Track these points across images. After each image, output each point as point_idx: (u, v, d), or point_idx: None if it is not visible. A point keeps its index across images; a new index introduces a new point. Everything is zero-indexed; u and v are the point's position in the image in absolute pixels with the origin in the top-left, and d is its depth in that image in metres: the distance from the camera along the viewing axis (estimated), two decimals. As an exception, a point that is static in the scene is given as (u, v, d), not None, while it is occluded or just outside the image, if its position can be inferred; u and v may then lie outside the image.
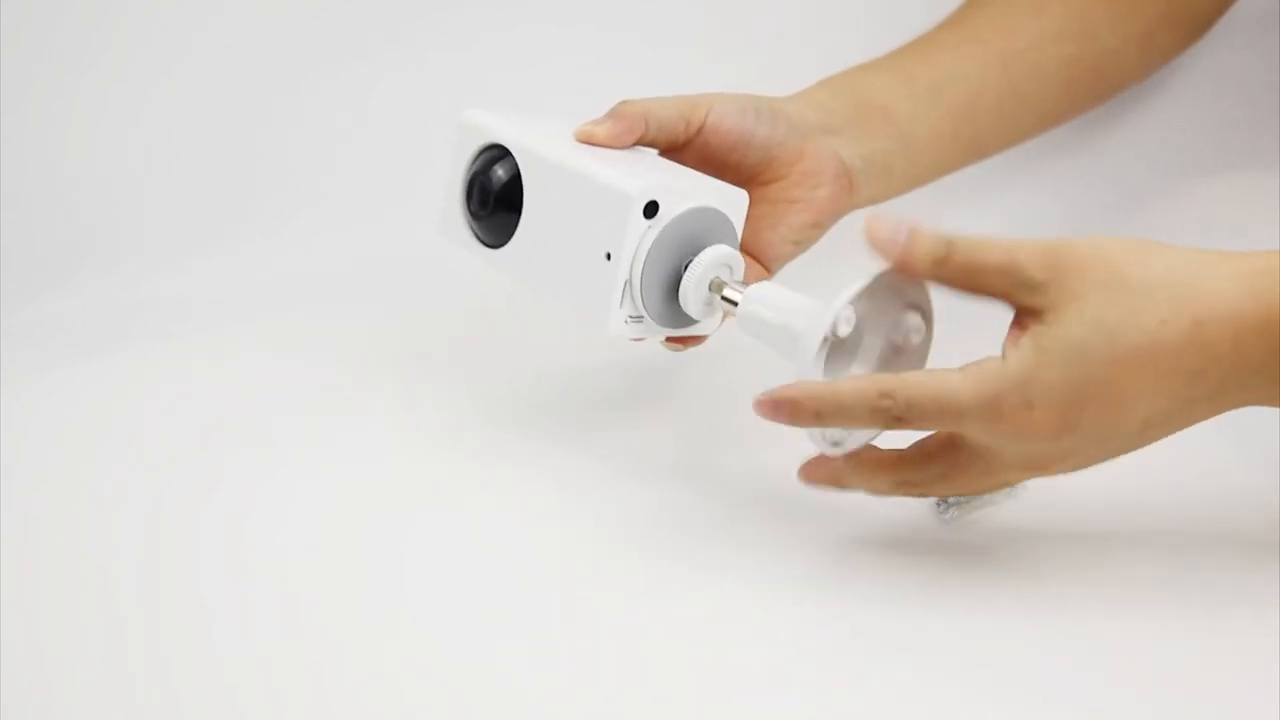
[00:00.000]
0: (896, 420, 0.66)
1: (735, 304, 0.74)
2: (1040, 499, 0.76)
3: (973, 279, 0.66)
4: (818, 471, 0.71)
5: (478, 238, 0.81)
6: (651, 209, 0.73)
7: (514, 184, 0.78)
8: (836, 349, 0.69)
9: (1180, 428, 0.67)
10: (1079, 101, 0.95)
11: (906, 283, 0.69)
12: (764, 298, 0.73)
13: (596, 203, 0.74)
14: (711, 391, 0.89)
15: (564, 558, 0.74)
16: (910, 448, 0.70)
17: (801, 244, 0.83)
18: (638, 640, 0.69)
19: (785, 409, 0.67)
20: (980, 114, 0.89)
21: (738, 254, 0.76)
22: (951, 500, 0.75)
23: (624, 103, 0.79)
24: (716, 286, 0.75)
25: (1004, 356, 0.65)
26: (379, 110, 1.07)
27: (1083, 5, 0.92)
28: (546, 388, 0.90)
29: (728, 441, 0.84)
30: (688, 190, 0.75)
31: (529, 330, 0.95)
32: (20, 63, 1.02)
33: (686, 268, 0.75)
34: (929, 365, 0.71)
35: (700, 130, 0.79)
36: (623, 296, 0.74)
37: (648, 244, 0.73)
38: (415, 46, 1.06)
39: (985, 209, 1.05)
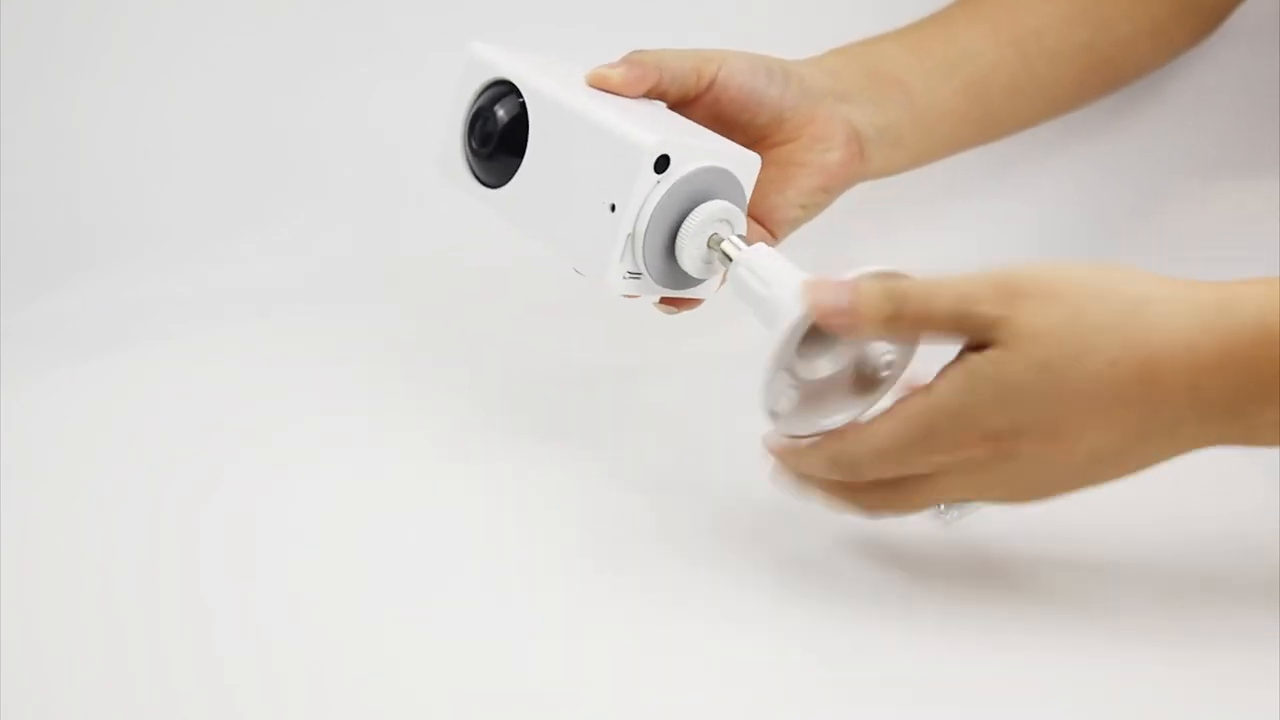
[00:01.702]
0: (851, 479, 0.67)
1: (731, 260, 0.72)
2: (1035, 508, 0.76)
3: (926, 328, 0.66)
4: (783, 468, 0.71)
5: (476, 176, 0.78)
6: (662, 163, 0.71)
7: (519, 123, 0.75)
8: (813, 333, 0.67)
9: (1140, 465, 0.66)
10: (1090, 88, 0.95)
11: None
12: (755, 264, 0.70)
13: (605, 151, 0.71)
14: (712, 398, 0.89)
15: (563, 559, 0.74)
16: None
17: (809, 209, 0.81)
18: (637, 643, 0.69)
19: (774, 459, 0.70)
20: (992, 93, 0.89)
21: (740, 212, 0.74)
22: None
23: (638, 51, 0.77)
24: (715, 242, 0.73)
25: (929, 388, 0.65)
26: (381, 110, 1.07)
27: None
28: (548, 388, 0.90)
29: (729, 447, 0.84)
30: (700, 148, 0.73)
31: (532, 330, 0.95)
32: (21, 63, 1.02)
33: (684, 219, 0.72)
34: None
35: (712, 85, 0.78)
36: (624, 250, 0.72)
37: (655, 199, 0.71)
38: (418, 46, 1.06)
39: (993, 210, 1.05)
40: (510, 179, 0.76)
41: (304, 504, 0.78)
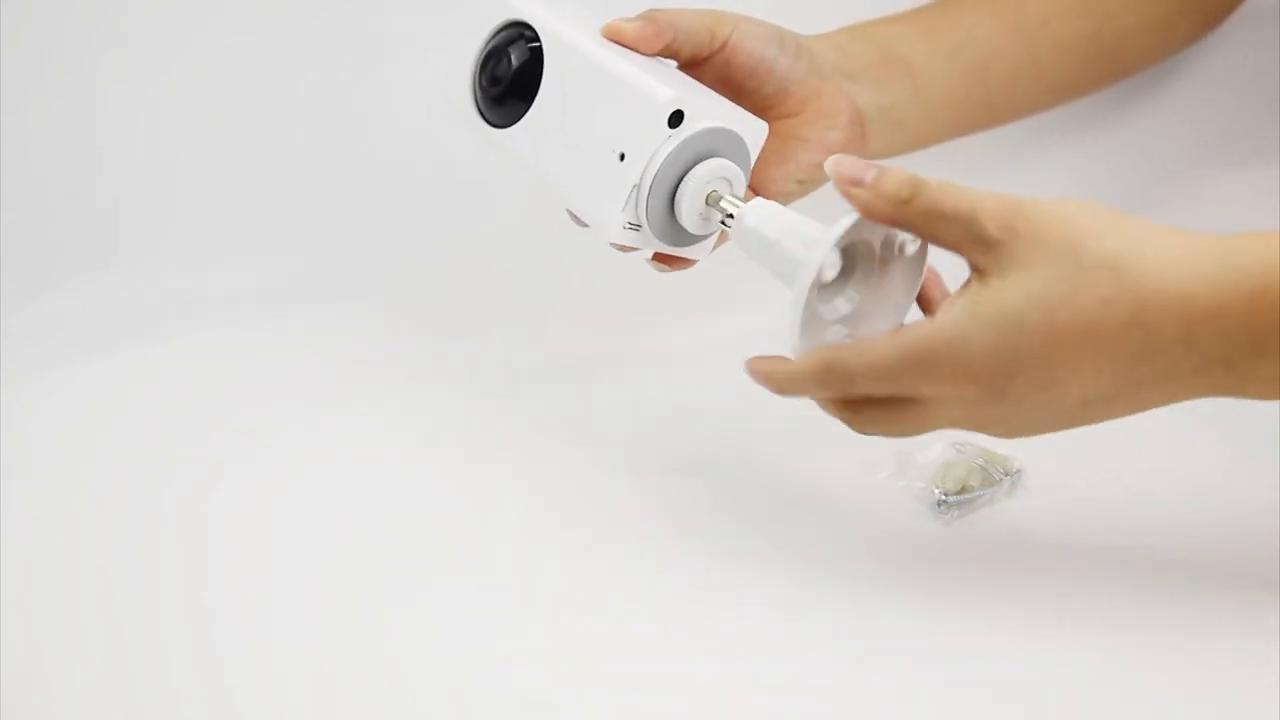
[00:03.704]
0: (843, 394, 0.67)
1: (731, 218, 0.72)
2: (1038, 502, 0.76)
3: (932, 223, 0.66)
4: (764, 363, 0.70)
5: (482, 115, 0.78)
6: (676, 118, 0.71)
7: (533, 66, 0.75)
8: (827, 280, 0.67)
9: (1130, 410, 0.66)
10: (1092, 77, 0.94)
11: None
12: (764, 213, 0.71)
13: (620, 101, 0.71)
14: (720, 390, 0.88)
15: (568, 555, 0.74)
16: None
17: (806, 184, 0.81)
18: (643, 639, 0.69)
19: (759, 379, 0.69)
20: (994, 77, 0.88)
21: (743, 175, 0.74)
22: (950, 500, 0.75)
23: (655, 10, 0.77)
24: (714, 199, 0.73)
25: (934, 317, 0.65)
26: (383, 110, 1.07)
27: None
28: (550, 381, 0.90)
29: (740, 440, 0.84)
30: (711, 109, 0.73)
31: (534, 328, 0.95)
32: (21, 63, 1.02)
33: (685, 175, 0.72)
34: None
35: (723, 48, 0.78)
36: (628, 200, 0.72)
37: (664, 152, 0.71)
38: (420, 46, 1.06)
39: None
40: (518, 120, 0.76)
41: (305, 504, 0.78)
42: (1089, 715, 0.64)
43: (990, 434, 0.68)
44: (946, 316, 0.64)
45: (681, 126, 0.71)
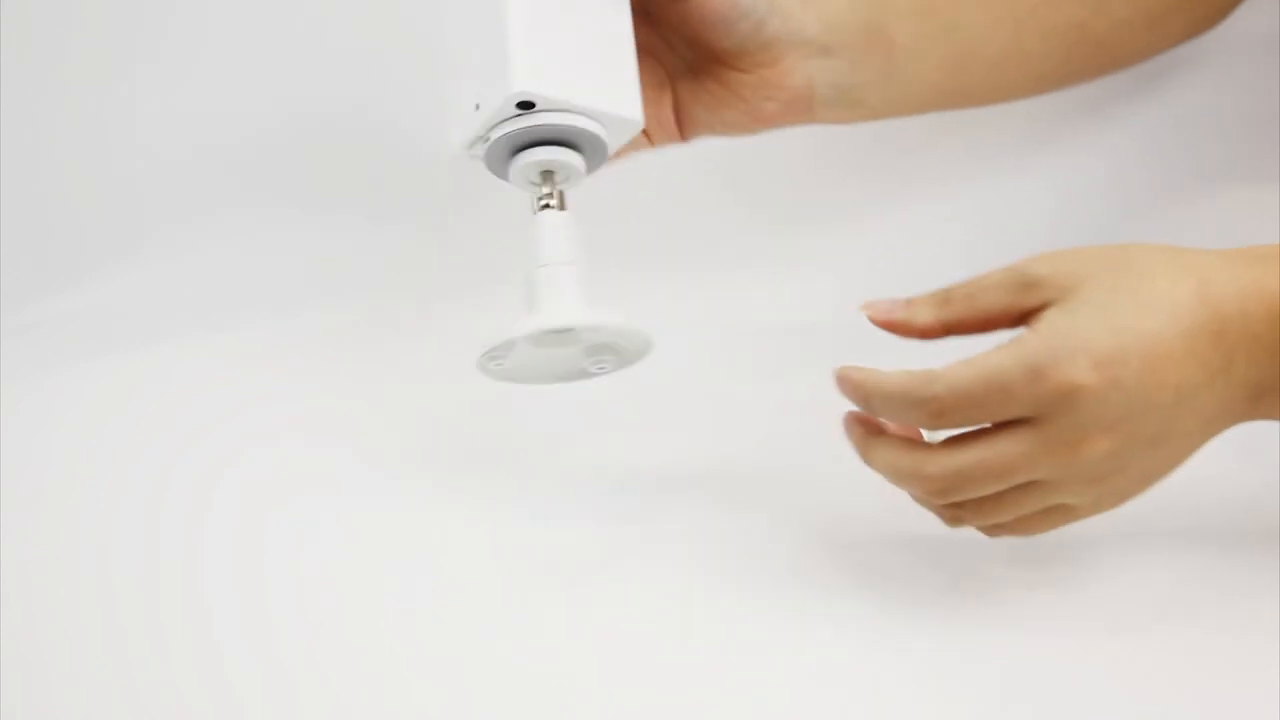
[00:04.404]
0: (938, 413, 0.63)
1: (544, 207, 0.73)
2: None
3: (977, 303, 0.65)
4: (856, 425, 0.68)
5: None
6: (526, 105, 0.71)
7: None
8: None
9: (1203, 416, 0.65)
10: (1077, 69, 0.93)
11: None
12: (552, 226, 0.72)
13: (494, 56, 0.71)
14: (720, 407, 0.89)
15: (564, 562, 0.74)
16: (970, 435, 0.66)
17: (726, 134, 0.80)
18: (642, 640, 0.69)
19: (844, 388, 0.67)
20: (977, 65, 0.86)
21: (579, 169, 0.73)
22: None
23: None
24: (541, 180, 0.73)
25: (1023, 337, 0.63)
26: (384, 112, 1.07)
27: None
28: (553, 385, 0.90)
29: (738, 450, 0.84)
30: (576, 101, 0.71)
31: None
32: (21, 63, 1.02)
33: (520, 150, 0.73)
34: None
35: None
36: (473, 142, 0.73)
37: (506, 128, 0.71)
38: (424, 48, 1.06)
39: (974, 212, 1.05)
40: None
41: (306, 504, 0.78)
42: (1089, 715, 0.64)
43: (1104, 482, 0.66)
44: (1042, 324, 0.64)
45: (531, 113, 0.71)
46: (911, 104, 0.85)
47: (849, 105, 0.82)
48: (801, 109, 0.80)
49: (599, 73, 0.74)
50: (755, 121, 0.80)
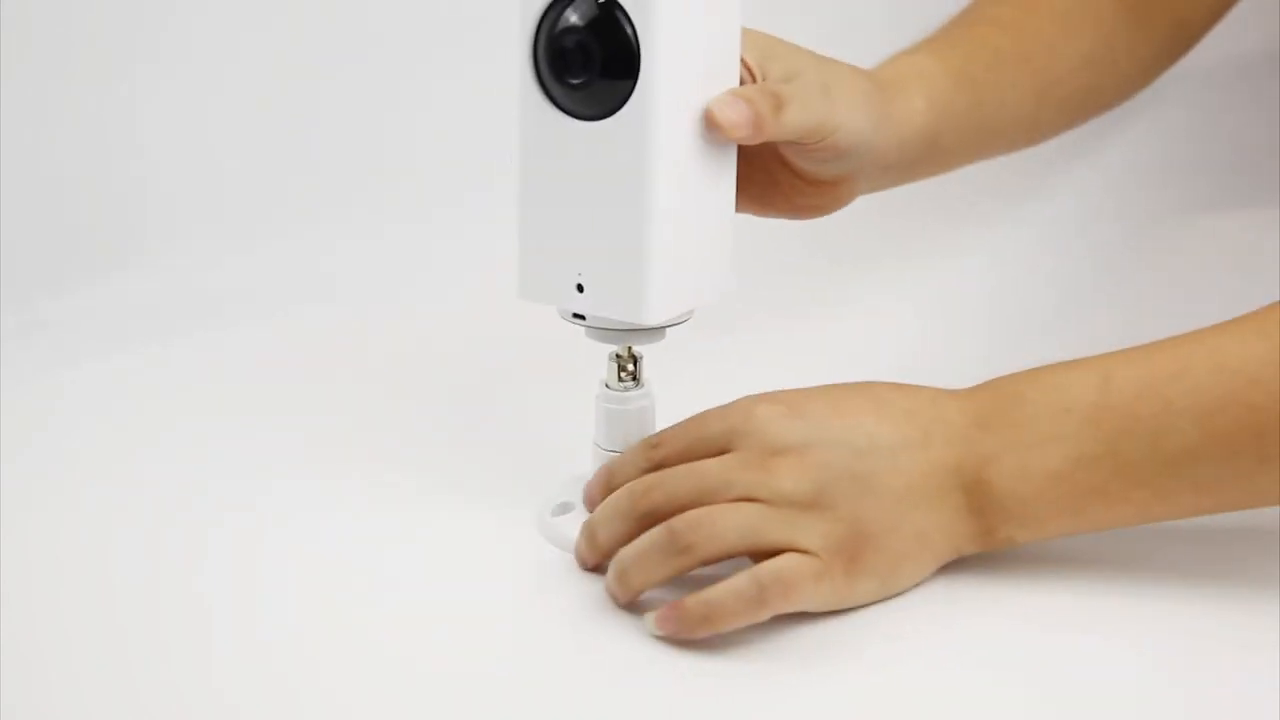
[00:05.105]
0: (654, 444, 0.71)
1: (634, 380, 0.74)
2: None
3: (687, 448, 0.71)
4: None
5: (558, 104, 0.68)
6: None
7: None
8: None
9: (908, 477, 0.68)
10: (1070, 124, 0.91)
11: None
12: (634, 406, 0.74)
13: (629, 270, 0.68)
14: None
15: (564, 561, 0.74)
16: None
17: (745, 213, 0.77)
18: (643, 640, 0.69)
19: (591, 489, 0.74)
20: (994, 141, 0.86)
21: (646, 348, 0.74)
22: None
23: (773, 87, 0.69)
24: (621, 362, 0.74)
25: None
26: (386, 113, 1.07)
27: (1111, 26, 0.87)
28: (553, 386, 0.90)
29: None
30: (686, 305, 0.70)
31: (538, 331, 0.95)
32: (21, 63, 1.02)
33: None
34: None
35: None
36: (569, 315, 0.72)
37: (603, 323, 0.71)
38: (428, 52, 1.06)
39: (967, 247, 1.05)
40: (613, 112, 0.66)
41: (306, 505, 0.78)
42: (1089, 715, 0.64)
43: (785, 463, 0.68)
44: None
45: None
46: (890, 182, 0.83)
47: (871, 191, 0.80)
48: (836, 206, 0.78)
49: (701, 267, 0.71)
50: (790, 213, 0.77)
